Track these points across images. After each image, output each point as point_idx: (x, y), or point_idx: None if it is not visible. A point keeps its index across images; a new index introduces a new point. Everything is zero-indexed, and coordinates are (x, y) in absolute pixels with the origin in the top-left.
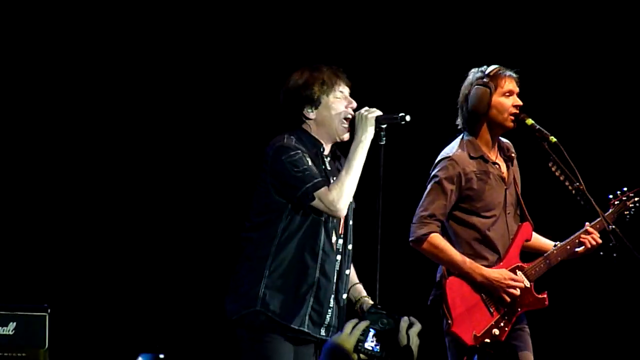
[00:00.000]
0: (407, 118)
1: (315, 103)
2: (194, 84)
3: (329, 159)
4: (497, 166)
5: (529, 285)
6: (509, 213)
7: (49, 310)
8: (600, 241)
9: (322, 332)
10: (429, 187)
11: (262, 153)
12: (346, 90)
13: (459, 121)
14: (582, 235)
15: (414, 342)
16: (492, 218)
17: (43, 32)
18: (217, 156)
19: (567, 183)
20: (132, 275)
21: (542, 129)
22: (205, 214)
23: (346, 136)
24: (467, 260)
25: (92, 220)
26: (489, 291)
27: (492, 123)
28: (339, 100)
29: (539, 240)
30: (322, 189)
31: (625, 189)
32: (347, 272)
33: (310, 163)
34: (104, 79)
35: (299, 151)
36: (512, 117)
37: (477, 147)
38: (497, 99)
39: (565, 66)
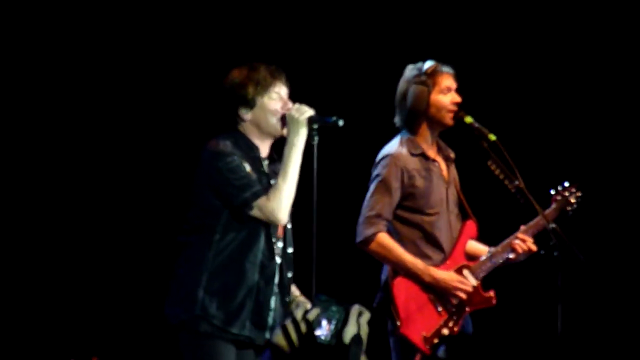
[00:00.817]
0: (341, 123)
1: (250, 104)
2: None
3: (266, 162)
4: (437, 164)
5: (476, 285)
6: (451, 211)
7: None
8: (534, 248)
9: (267, 335)
10: (372, 186)
11: (196, 156)
12: (283, 90)
13: (396, 119)
14: (514, 242)
15: (364, 330)
16: (435, 216)
17: (43, 32)
18: (153, 157)
19: (506, 182)
20: (68, 277)
21: (481, 127)
22: (143, 216)
23: (284, 132)
24: (417, 260)
25: (27, 218)
26: (437, 291)
27: (432, 121)
28: (274, 101)
29: (473, 246)
30: (262, 198)
31: (567, 183)
32: (289, 275)
33: (248, 169)
34: (102, 79)
35: (235, 157)
36: (452, 115)
37: (417, 145)
38: (435, 97)
39: (503, 62)
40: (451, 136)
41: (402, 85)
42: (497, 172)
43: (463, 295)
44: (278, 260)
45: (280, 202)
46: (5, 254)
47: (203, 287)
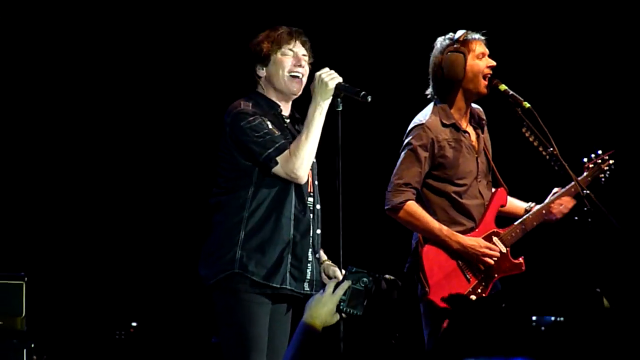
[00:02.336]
0: (369, 98)
1: (264, 60)
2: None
3: (289, 120)
4: (468, 135)
5: (505, 252)
6: (480, 181)
7: (25, 279)
8: (570, 205)
9: (306, 287)
10: (402, 154)
11: (220, 120)
12: (300, 50)
13: (429, 91)
14: (553, 205)
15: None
16: (464, 186)
17: (43, 32)
18: (178, 125)
19: (540, 148)
20: (108, 244)
21: (516, 95)
22: (172, 184)
23: (295, 89)
24: (444, 227)
25: (69, 189)
26: (465, 258)
27: (467, 89)
28: (286, 57)
29: (512, 203)
30: (285, 153)
31: (600, 151)
32: (318, 231)
33: (270, 126)
34: (100, 79)
35: (257, 115)
36: (486, 82)
37: (450, 115)
38: (471, 62)
39: (537, 32)
40: (485, 105)
41: (435, 56)
42: (531, 139)
43: (490, 262)
44: (310, 215)
45: (302, 160)
46: (52, 218)
47: (241, 246)
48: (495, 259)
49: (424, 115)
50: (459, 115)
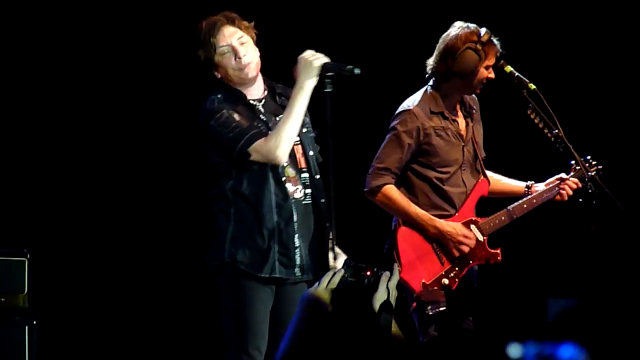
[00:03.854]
0: (357, 71)
1: (211, 65)
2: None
3: (263, 102)
4: (457, 123)
5: (482, 240)
6: (464, 170)
7: (28, 255)
8: (580, 184)
9: (297, 273)
10: (387, 138)
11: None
12: (233, 37)
13: (431, 67)
14: (560, 185)
15: (393, 295)
16: (447, 174)
17: (43, 32)
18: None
19: (545, 130)
20: (111, 220)
21: (521, 76)
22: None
23: (251, 74)
24: (421, 211)
25: (70, 165)
26: (441, 242)
27: (466, 87)
28: (226, 56)
29: (509, 184)
30: (258, 141)
31: (589, 157)
32: (322, 200)
33: (238, 119)
34: (100, 79)
35: (224, 110)
36: (482, 86)
37: (439, 103)
38: (482, 68)
39: (543, 17)
40: (491, 87)
41: (454, 41)
42: (536, 120)
43: (465, 249)
44: (308, 191)
45: (279, 141)
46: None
47: (230, 237)
48: (471, 247)
49: (413, 100)
50: (449, 103)
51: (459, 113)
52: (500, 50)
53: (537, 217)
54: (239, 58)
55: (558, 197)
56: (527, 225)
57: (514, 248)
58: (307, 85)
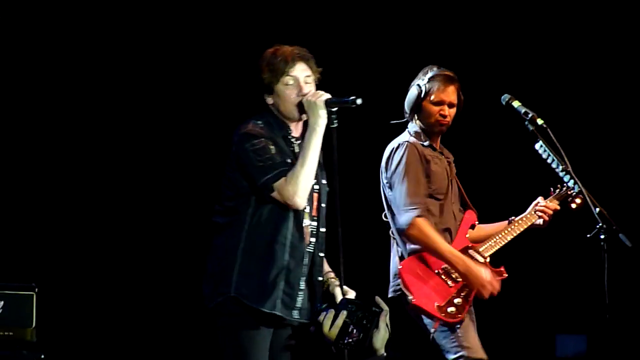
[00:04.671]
0: (359, 101)
1: (268, 90)
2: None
3: (299, 141)
4: (443, 157)
5: (482, 261)
6: (454, 202)
7: (36, 290)
8: (557, 207)
9: (295, 315)
10: (399, 174)
11: (230, 138)
12: (301, 73)
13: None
14: (538, 208)
15: (388, 329)
16: (441, 201)
17: (43, 32)
18: (187, 141)
19: (553, 165)
20: (118, 255)
21: (529, 111)
22: (180, 198)
23: (304, 117)
24: (454, 252)
25: (79, 200)
26: (443, 267)
27: (425, 124)
28: (288, 87)
29: (491, 228)
30: (281, 180)
31: (570, 184)
32: (320, 254)
33: (274, 151)
34: (101, 79)
35: (263, 139)
36: (439, 124)
37: (424, 137)
38: (426, 104)
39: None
40: (497, 120)
41: (413, 81)
42: (544, 155)
43: (485, 295)
44: (313, 240)
45: (297, 186)
46: (62, 230)
47: (237, 269)
48: (493, 294)
49: (402, 137)
50: (431, 140)
51: (442, 153)
52: (453, 84)
53: (546, 252)
54: (301, 94)
55: (539, 221)
56: (535, 261)
57: (522, 284)
58: (319, 127)
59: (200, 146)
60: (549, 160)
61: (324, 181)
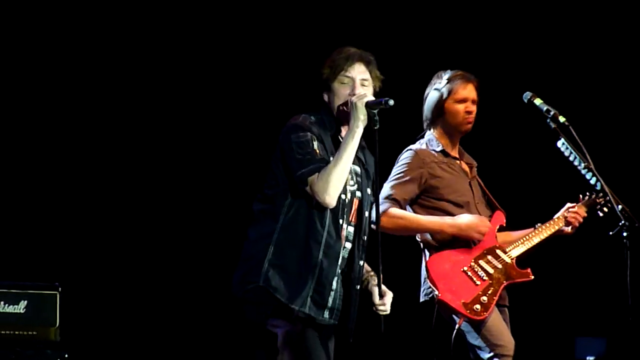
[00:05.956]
0: (391, 102)
1: (325, 86)
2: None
3: None
4: (458, 162)
5: (509, 262)
6: (478, 203)
7: (60, 289)
8: (585, 215)
9: (326, 315)
10: (394, 173)
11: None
12: (359, 75)
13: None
14: (567, 214)
15: None
16: (464, 202)
17: (43, 32)
18: (232, 129)
19: (575, 163)
20: (144, 253)
21: (551, 109)
22: (217, 187)
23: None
24: (433, 217)
25: (103, 201)
26: (470, 265)
27: (448, 125)
28: (343, 86)
29: (517, 234)
30: (314, 175)
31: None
32: (360, 262)
33: (316, 147)
34: (103, 79)
35: (309, 133)
36: (466, 122)
37: (438, 143)
38: (449, 104)
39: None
40: (518, 119)
41: (428, 89)
42: (566, 153)
43: (484, 229)
44: (347, 244)
45: (328, 184)
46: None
47: (268, 259)
48: (489, 228)
49: (415, 144)
50: (446, 144)
51: (461, 157)
52: (473, 82)
53: (566, 252)
54: (350, 95)
55: (567, 228)
56: (555, 261)
57: (543, 286)
58: (356, 128)
59: (226, 143)
60: (571, 158)
61: (369, 190)
